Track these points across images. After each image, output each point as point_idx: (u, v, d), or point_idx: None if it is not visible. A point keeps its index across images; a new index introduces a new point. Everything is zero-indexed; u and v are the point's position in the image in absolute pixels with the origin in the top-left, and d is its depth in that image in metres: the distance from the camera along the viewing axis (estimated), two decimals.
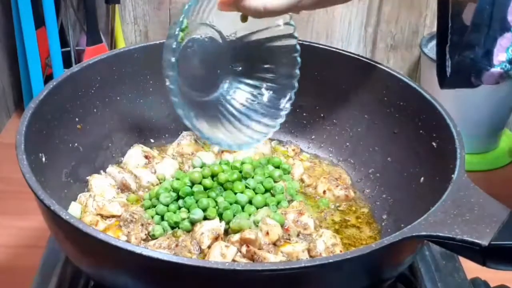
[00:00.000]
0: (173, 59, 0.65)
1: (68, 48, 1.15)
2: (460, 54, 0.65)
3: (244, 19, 0.71)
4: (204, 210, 0.71)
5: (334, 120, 0.88)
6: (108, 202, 0.73)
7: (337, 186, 0.80)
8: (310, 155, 0.89)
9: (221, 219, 0.71)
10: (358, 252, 0.53)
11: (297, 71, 0.76)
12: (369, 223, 0.77)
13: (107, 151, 0.82)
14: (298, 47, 0.75)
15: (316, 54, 0.85)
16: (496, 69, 0.64)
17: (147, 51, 0.83)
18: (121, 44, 1.20)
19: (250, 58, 0.78)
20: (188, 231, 0.71)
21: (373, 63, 0.82)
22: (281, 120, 0.78)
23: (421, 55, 1.11)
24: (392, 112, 0.80)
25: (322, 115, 0.89)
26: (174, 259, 0.52)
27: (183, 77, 0.71)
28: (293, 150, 0.88)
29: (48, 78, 1.14)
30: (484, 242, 0.51)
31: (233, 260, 0.65)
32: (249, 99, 0.80)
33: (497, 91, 1.01)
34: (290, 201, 0.76)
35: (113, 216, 0.72)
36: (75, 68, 0.77)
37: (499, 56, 0.65)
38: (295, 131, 0.91)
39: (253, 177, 0.77)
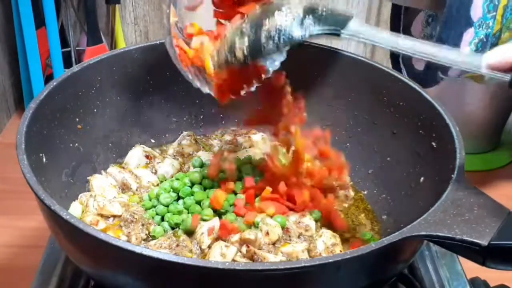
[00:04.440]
0: None
1: (69, 48, 1.15)
2: None
3: None
4: (202, 210, 0.72)
5: (334, 120, 0.88)
6: (109, 202, 0.73)
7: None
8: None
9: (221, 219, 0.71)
10: (358, 252, 0.53)
11: None
12: (369, 223, 0.77)
13: (107, 151, 0.82)
14: None
15: (316, 54, 0.85)
16: None
17: (147, 51, 0.83)
18: (121, 44, 1.21)
19: None
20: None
21: (373, 63, 0.82)
22: None
23: None
24: (392, 112, 0.80)
25: (322, 115, 0.88)
26: (175, 259, 0.52)
27: None
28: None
29: (48, 78, 1.14)
30: (484, 242, 0.51)
31: (233, 260, 0.65)
32: None
33: (497, 91, 1.01)
34: None
35: (113, 216, 0.72)
36: (75, 68, 0.77)
37: (464, 50, 0.71)
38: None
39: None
